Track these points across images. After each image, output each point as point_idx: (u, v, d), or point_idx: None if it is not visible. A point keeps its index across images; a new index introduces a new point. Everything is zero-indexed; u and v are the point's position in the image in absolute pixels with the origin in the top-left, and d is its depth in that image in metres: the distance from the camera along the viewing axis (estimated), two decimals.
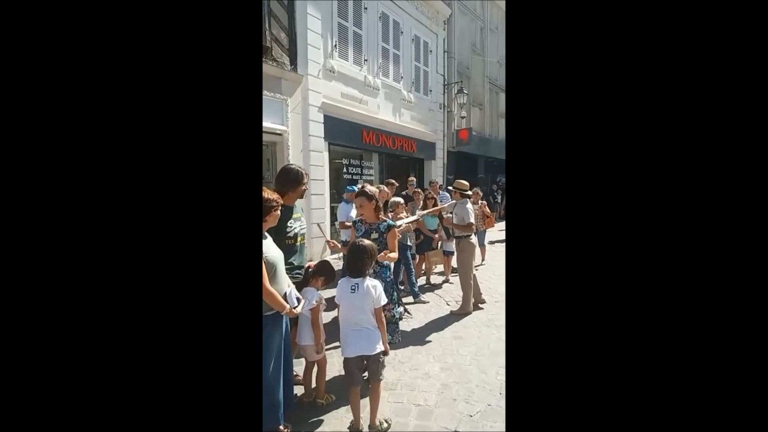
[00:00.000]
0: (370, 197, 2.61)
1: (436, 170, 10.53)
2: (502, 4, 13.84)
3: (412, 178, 6.00)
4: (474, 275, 4.00)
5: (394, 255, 2.56)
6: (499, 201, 13.07)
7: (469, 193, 4.18)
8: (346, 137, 7.28)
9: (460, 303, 3.97)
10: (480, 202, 6.02)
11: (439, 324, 3.60)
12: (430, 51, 10.11)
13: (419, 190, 5.23)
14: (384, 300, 2.02)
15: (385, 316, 2.28)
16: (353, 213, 3.64)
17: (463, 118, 11.12)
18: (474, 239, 4.06)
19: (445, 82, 10.74)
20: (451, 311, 3.94)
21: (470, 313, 3.88)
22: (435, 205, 4.74)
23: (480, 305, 4.06)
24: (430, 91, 10.20)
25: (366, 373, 2.03)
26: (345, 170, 7.68)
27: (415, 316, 3.84)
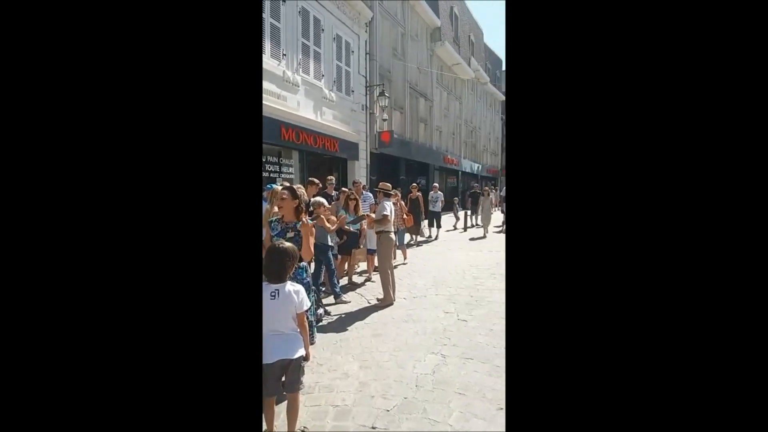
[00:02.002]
0: (295, 195, 2.51)
1: (360, 171, 10.59)
2: (423, 13, 14.50)
3: (331, 177, 5.93)
4: (391, 271, 4.18)
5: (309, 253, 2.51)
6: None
7: (391, 193, 4.63)
8: (264, 133, 6.93)
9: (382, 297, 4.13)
10: (400, 202, 6.22)
11: (359, 323, 3.61)
12: (352, 51, 10.14)
13: (346, 190, 5.21)
14: (307, 304, 1.93)
15: None
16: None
17: (384, 120, 11.37)
18: (393, 235, 4.38)
19: (367, 84, 10.87)
20: (375, 304, 4.10)
21: (392, 304, 4.05)
22: (357, 205, 4.75)
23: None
24: (353, 91, 10.23)
25: (284, 381, 1.92)
26: (263, 167, 7.31)
27: (335, 317, 3.79)
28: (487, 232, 9.22)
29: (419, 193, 7.80)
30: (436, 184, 9.59)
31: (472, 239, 8.86)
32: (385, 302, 4.07)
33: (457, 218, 11.40)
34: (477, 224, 11.03)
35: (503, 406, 2.15)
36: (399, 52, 13.19)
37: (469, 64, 19.39)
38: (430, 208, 8.74)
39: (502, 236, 9.46)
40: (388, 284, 4.11)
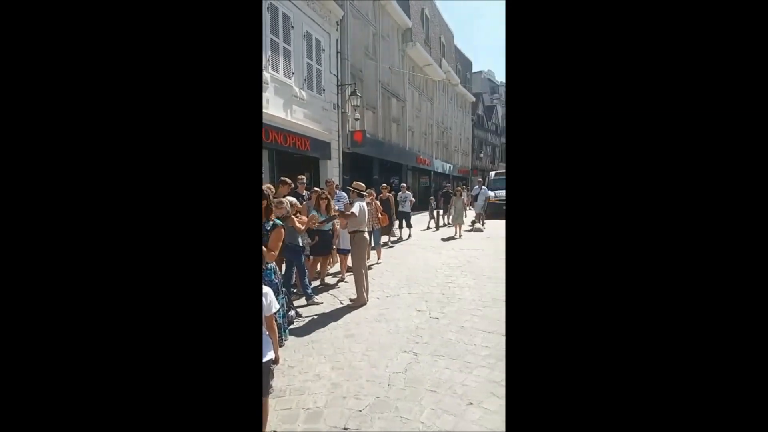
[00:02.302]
0: (263, 195, 2.48)
1: (332, 170, 10.50)
2: (394, 13, 14.56)
3: (302, 177, 5.85)
4: (365, 272, 4.18)
5: (273, 254, 2.47)
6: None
7: (365, 193, 4.58)
8: None
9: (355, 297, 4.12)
10: (375, 202, 6.21)
11: (332, 324, 3.57)
12: (323, 50, 10.03)
13: (318, 190, 5.14)
14: (276, 306, 1.89)
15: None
16: None
17: (357, 120, 11.33)
18: (366, 235, 4.38)
19: (339, 83, 10.79)
20: (348, 305, 4.07)
21: (365, 304, 4.04)
22: (328, 205, 4.70)
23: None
24: (324, 90, 10.13)
25: None
26: None
27: (307, 318, 3.74)
28: (460, 232, 9.26)
29: (390, 194, 7.82)
30: (404, 184, 9.53)
31: (444, 239, 8.98)
32: (359, 302, 4.06)
33: (432, 217, 11.50)
34: (449, 223, 11.19)
35: (473, 401, 2.20)
36: (370, 51, 13.19)
37: (440, 66, 19.67)
38: (400, 208, 8.73)
39: (474, 234, 9.67)
40: (361, 284, 4.10)
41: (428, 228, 11.18)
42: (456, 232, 9.17)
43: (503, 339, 3.07)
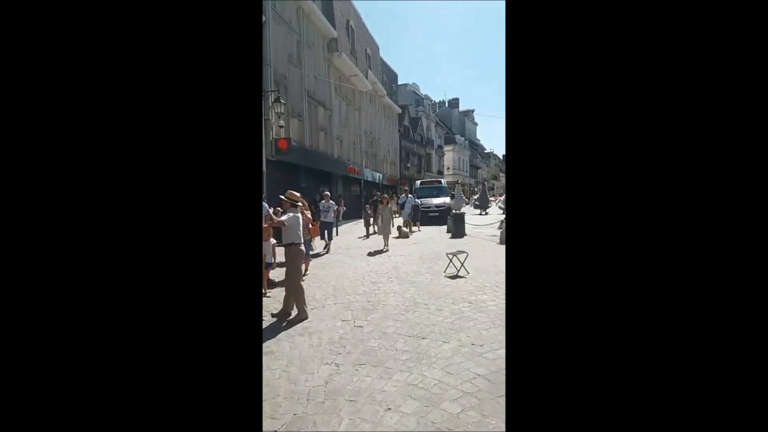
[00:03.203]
0: None
1: None
2: (318, 22, 14.53)
3: None
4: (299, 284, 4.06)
5: None
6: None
7: (299, 204, 4.39)
8: None
9: (296, 312, 3.96)
10: (305, 212, 6.04)
11: None
12: None
13: None
14: None
15: None
16: None
17: (281, 127, 11.01)
18: (303, 247, 4.24)
19: (262, 90, 10.40)
20: (288, 320, 3.88)
21: (307, 317, 3.90)
22: None
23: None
24: None
25: None
26: None
27: None
28: (387, 243, 8.61)
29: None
30: (328, 193, 8.79)
31: (372, 247, 9.08)
32: (300, 317, 3.86)
33: (367, 225, 11.51)
34: (375, 232, 11.32)
35: (391, 406, 2.23)
36: (295, 59, 12.97)
37: (366, 77, 20.07)
38: (322, 218, 8.03)
39: (402, 241, 9.93)
40: (301, 300, 3.93)
41: (365, 235, 11.21)
42: (384, 244, 8.61)
43: (423, 341, 3.18)
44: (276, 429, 2.04)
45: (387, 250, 8.29)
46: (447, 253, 6.08)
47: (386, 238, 8.78)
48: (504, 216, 12.94)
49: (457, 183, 22.19)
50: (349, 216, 16.61)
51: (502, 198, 21.40)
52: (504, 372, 2.55)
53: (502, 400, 2.21)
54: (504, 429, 1.65)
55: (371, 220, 11.40)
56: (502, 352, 2.89)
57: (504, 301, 4.21)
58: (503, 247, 8.21)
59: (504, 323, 3.50)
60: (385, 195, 11.38)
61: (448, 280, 5.34)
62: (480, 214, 17.67)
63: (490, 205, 21.72)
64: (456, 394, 2.32)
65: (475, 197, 22.54)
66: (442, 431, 1.97)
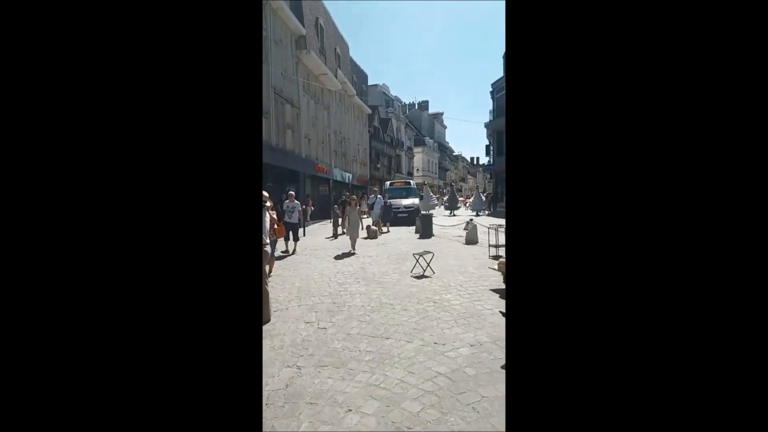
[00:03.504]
0: None
1: None
2: (286, 19, 14.24)
3: None
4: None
5: None
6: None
7: (268, 204, 4.28)
8: None
9: None
10: (270, 213, 5.89)
11: None
12: None
13: None
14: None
15: None
16: None
17: None
18: (269, 248, 4.06)
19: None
20: None
21: (269, 320, 3.81)
22: None
23: None
24: None
25: None
26: None
27: None
28: (354, 245, 8.29)
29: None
30: (292, 192, 8.43)
31: (340, 248, 9.02)
32: (264, 320, 3.76)
33: (336, 225, 11.38)
34: (344, 232, 11.26)
35: (352, 407, 2.22)
36: (263, 56, 12.65)
37: (335, 76, 19.92)
38: (286, 219, 7.79)
39: (370, 241, 9.93)
40: (266, 302, 3.82)
41: (333, 236, 11.10)
42: (351, 247, 8.26)
43: (387, 341, 3.19)
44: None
45: (354, 253, 7.95)
46: (414, 254, 6.14)
47: (353, 241, 8.35)
48: (471, 217, 13.27)
49: (425, 184, 22.31)
50: (318, 216, 16.41)
51: (471, 200, 21.68)
52: (463, 370, 2.62)
53: (461, 397, 2.26)
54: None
55: (340, 220, 11.28)
56: (464, 350, 2.95)
57: (467, 300, 4.31)
58: (468, 247, 8.41)
59: (466, 322, 3.59)
60: (354, 196, 10.77)
61: (415, 280, 5.39)
62: (449, 215, 17.95)
63: (459, 206, 21.94)
64: (417, 393, 2.34)
65: (445, 198, 22.72)
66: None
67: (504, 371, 2.56)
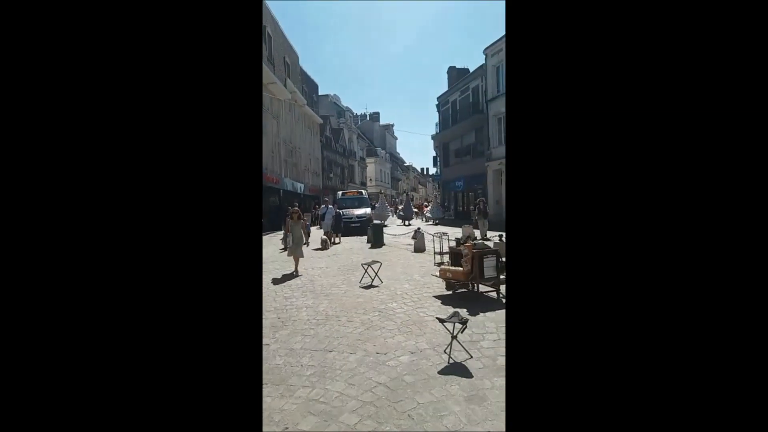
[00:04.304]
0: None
1: None
2: None
3: None
4: None
5: None
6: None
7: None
8: None
9: None
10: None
11: None
12: None
13: None
14: None
15: None
16: None
17: None
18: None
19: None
20: None
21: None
22: None
23: None
24: None
25: None
26: None
27: None
28: (297, 266, 7.06)
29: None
30: None
31: (289, 260, 8.81)
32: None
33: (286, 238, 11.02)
34: (287, 252, 10.90)
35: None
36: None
37: (285, 85, 19.65)
38: None
39: (322, 253, 9.80)
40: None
41: (284, 247, 10.76)
42: (294, 268, 6.96)
43: (330, 354, 3.18)
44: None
45: (298, 275, 6.69)
46: (362, 264, 6.18)
47: (297, 261, 7.00)
48: (420, 226, 13.58)
49: (381, 193, 22.17)
50: (268, 228, 15.92)
51: (429, 208, 21.04)
52: (402, 378, 2.68)
53: (398, 406, 2.32)
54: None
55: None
56: (404, 358, 3.03)
57: (411, 308, 4.42)
58: (416, 255, 8.62)
59: (408, 329, 3.68)
60: (296, 208, 8.27)
61: (362, 290, 5.42)
62: (404, 224, 18.03)
63: (414, 215, 21.05)
64: (356, 404, 2.36)
65: (400, 207, 22.57)
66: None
67: (440, 376, 2.67)
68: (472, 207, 12.74)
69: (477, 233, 7.54)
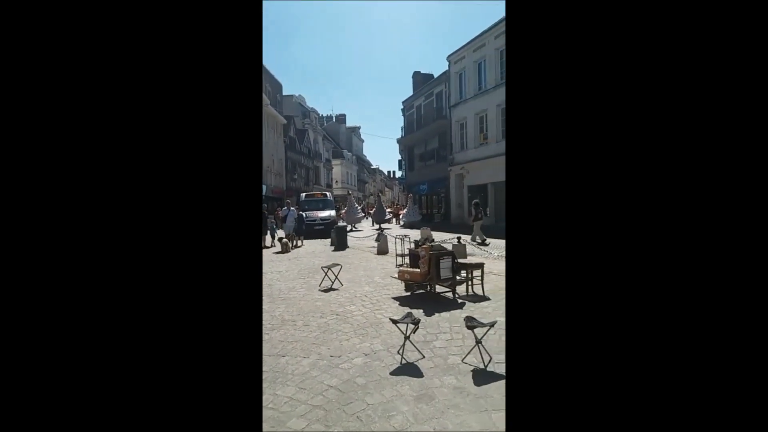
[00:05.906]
0: None
1: None
2: None
3: None
4: None
5: None
6: None
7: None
8: None
9: None
10: None
11: None
12: None
13: None
14: None
15: None
16: None
17: None
18: None
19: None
20: None
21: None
22: None
23: None
24: None
25: None
26: None
27: None
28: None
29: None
30: None
31: None
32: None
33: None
34: (265, 246, 10.77)
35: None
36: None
37: None
38: None
39: (283, 256, 9.59)
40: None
41: None
42: None
43: (282, 359, 3.12)
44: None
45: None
46: (322, 267, 6.12)
47: None
48: (382, 228, 13.65)
49: (349, 194, 21.21)
50: None
51: (405, 211, 18.95)
52: (354, 380, 2.68)
53: (348, 408, 2.31)
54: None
55: None
56: (358, 360, 3.03)
57: (369, 310, 4.43)
58: (379, 257, 8.66)
59: (364, 331, 3.69)
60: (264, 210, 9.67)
61: (321, 293, 5.37)
62: (377, 229, 15.62)
63: (387, 218, 19.33)
64: (305, 409, 2.33)
65: (373, 210, 20.70)
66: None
67: (392, 377, 2.70)
68: (469, 211, 12.37)
69: (467, 238, 7.64)
